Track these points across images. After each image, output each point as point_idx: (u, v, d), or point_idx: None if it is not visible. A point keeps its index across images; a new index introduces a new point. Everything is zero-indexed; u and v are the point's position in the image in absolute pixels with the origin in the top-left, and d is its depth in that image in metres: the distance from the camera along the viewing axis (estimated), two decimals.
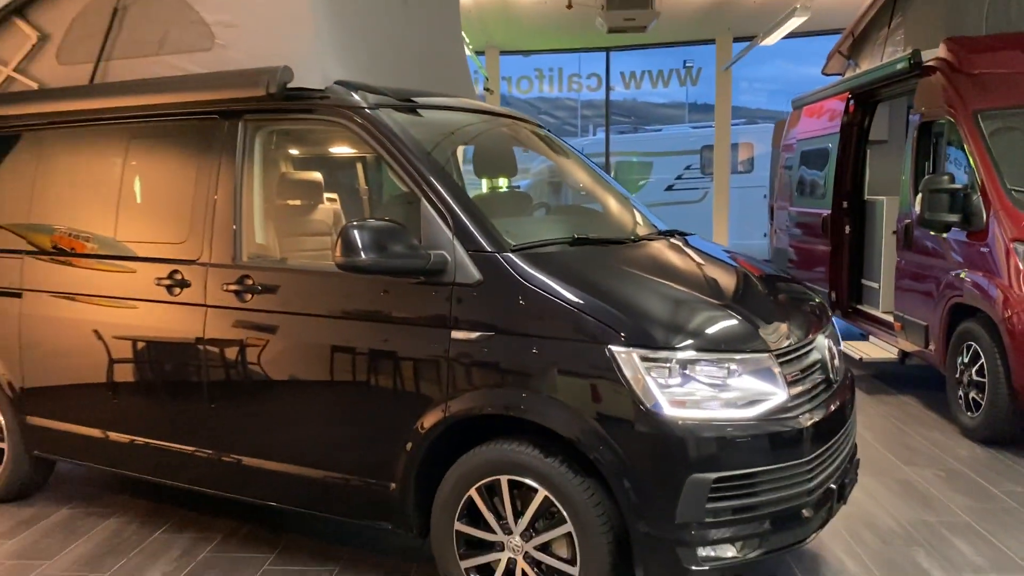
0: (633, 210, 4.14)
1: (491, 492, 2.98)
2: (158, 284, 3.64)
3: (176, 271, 3.60)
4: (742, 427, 2.75)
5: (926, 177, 5.75)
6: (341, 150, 4.46)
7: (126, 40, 3.98)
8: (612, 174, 16.29)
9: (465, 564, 3.05)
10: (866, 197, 7.54)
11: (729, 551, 2.76)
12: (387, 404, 3.14)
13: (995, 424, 5.10)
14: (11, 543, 3.92)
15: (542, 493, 2.87)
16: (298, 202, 4.09)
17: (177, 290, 3.59)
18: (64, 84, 4.17)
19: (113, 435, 3.87)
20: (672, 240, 3.77)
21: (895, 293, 6.47)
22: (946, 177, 5.53)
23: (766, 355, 2.86)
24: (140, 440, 3.79)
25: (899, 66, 6.31)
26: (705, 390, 2.77)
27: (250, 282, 3.42)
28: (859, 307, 7.50)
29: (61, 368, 4.02)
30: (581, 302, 2.86)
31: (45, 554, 3.80)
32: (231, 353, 3.47)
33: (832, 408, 3.09)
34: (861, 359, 6.75)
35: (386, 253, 2.94)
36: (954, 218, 5.44)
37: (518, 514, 2.94)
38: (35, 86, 4.33)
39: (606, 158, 16.03)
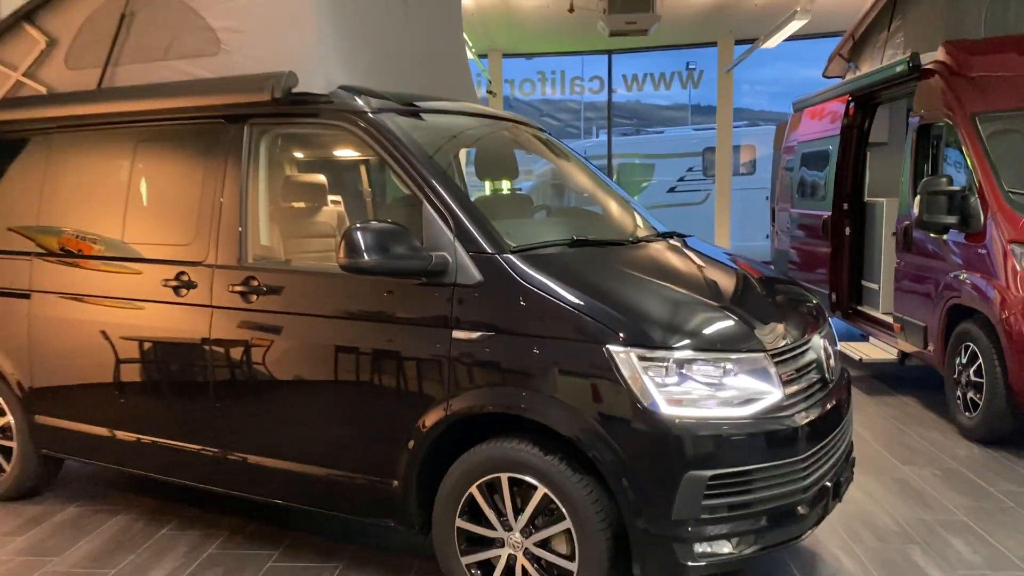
0: (632, 212, 4.19)
1: (491, 489, 3.04)
2: (165, 285, 3.70)
3: (183, 272, 3.66)
4: (738, 425, 2.81)
5: (924, 179, 5.79)
6: (345, 153, 4.52)
7: (133, 45, 4.04)
8: (614, 176, 16.37)
9: (466, 560, 3.11)
10: (866, 199, 7.58)
11: (725, 547, 2.81)
12: (389, 403, 3.20)
13: (992, 424, 5.15)
14: (21, 540, 3.99)
15: (541, 490, 2.92)
16: (302, 204, 4.15)
17: (184, 291, 3.65)
18: (72, 88, 4.24)
19: (120, 434, 3.93)
20: (670, 242, 3.83)
21: (894, 294, 6.52)
22: (944, 179, 5.58)
23: (761, 355, 2.92)
24: (147, 439, 3.85)
25: (898, 69, 6.35)
26: (701, 389, 2.82)
27: (255, 283, 3.48)
28: (859, 308, 7.54)
29: (69, 368, 4.08)
30: (580, 302, 2.92)
31: (54, 551, 3.86)
32: (237, 353, 3.53)
33: (827, 407, 3.14)
34: (861, 360, 6.80)
35: (389, 255, 3.00)
36: (952, 220, 5.48)
37: (518, 511, 3.00)
38: (44, 91, 4.39)
39: (608, 160, 16.09)
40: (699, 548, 2.79)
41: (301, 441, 3.45)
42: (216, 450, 3.65)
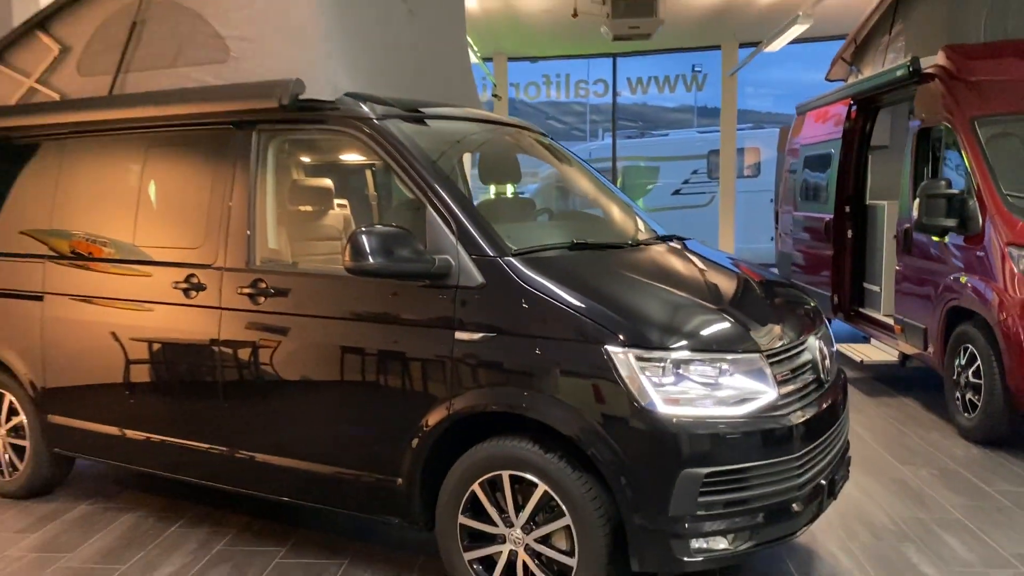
0: (632, 215, 4.26)
1: (493, 487, 3.11)
2: (175, 288, 3.78)
3: (192, 275, 3.74)
4: (733, 424, 2.88)
5: (924, 182, 5.85)
6: (350, 158, 4.60)
7: (144, 53, 4.12)
8: (619, 178, 16.43)
9: (469, 556, 3.18)
10: (868, 202, 7.64)
11: (721, 543, 2.88)
12: (394, 402, 3.28)
13: (991, 424, 5.20)
14: (34, 537, 4.08)
15: (542, 488, 3.00)
16: (309, 208, 4.23)
17: (193, 293, 3.74)
18: (84, 95, 4.32)
19: (131, 433, 4.02)
20: (670, 245, 3.90)
21: (895, 296, 6.57)
22: (943, 182, 5.63)
23: (757, 355, 2.98)
24: (157, 438, 3.93)
25: (899, 73, 6.41)
26: (698, 389, 2.89)
27: (263, 285, 3.56)
28: (861, 310, 7.59)
29: (81, 368, 4.17)
30: (579, 304, 2.99)
31: (66, 547, 3.95)
32: (245, 354, 3.61)
33: (823, 407, 3.21)
34: (862, 361, 6.85)
35: (393, 257, 3.08)
36: (951, 223, 5.54)
37: (519, 508, 3.07)
38: (56, 97, 4.47)
39: (612, 163, 16.15)
40: (695, 544, 2.86)
41: (308, 440, 3.53)
42: (224, 448, 3.73)
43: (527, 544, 3.07)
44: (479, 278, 3.12)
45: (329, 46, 3.63)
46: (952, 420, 5.64)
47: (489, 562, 3.16)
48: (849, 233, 7.63)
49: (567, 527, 2.98)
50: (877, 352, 7.00)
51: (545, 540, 3.05)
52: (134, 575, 3.66)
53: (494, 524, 3.12)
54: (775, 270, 10.08)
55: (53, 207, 4.36)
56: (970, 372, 5.40)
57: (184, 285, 3.76)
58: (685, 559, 2.86)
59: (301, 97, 3.48)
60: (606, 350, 2.89)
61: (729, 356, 2.95)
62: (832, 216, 7.76)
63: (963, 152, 5.59)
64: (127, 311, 3.97)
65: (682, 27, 12.42)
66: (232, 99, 3.70)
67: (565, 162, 4.61)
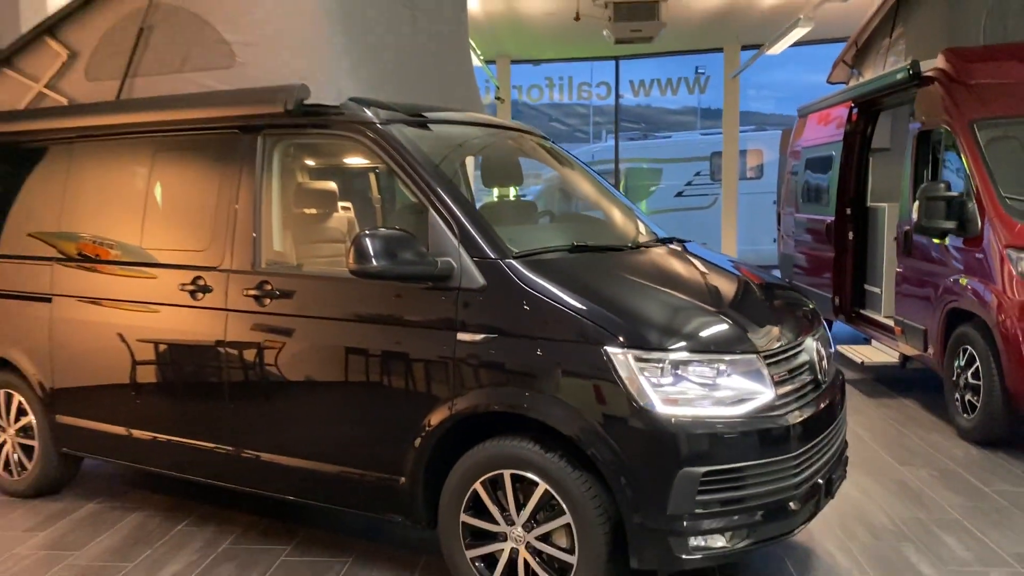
0: (633, 218, 4.31)
1: (495, 485, 3.16)
2: (182, 289, 3.84)
3: (199, 277, 3.80)
4: (730, 424, 2.92)
5: (923, 185, 5.89)
6: (354, 162, 4.66)
7: (151, 58, 4.18)
8: (622, 180, 16.46)
9: (471, 554, 3.23)
10: (869, 204, 7.67)
11: (719, 541, 2.93)
12: (397, 403, 3.33)
13: (990, 425, 5.24)
14: (43, 535, 4.13)
15: (542, 486, 3.05)
16: (314, 211, 4.28)
17: (200, 295, 3.79)
18: (92, 100, 4.39)
19: (138, 433, 4.07)
20: (670, 247, 3.95)
21: (895, 298, 6.61)
22: (943, 185, 5.67)
23: (754, 356, 3.03)
24: (163, 437, 3.99)
25: (899, 76, 6.45)
26: (696, 389, 2.94)
27: (269, 287, 3.61)
28: (862, 312, 7.62)
29: (89, 369, 4.23)
30: (579, 306, 3.04)
31: (75, 545, 4.01)
32: (250, 355, 3.67)
33: (820, 407, 3.25)
34: (862, 362, 6.89)
35: (396, 260, 3.13)
36: (950, 225, 5.58)
37: (520, 506, 3.12)
38: (65, 101, 4.55)
39: (615, 165, 16.19)
40: (694, 542, 2.90)
41: (312, 439, 3.58)
42: (230, 448, 3.78)
43: (528, 542, 3.12)
44: (481, 280, 3.17)
45: (333, 52, 3.69)
46: (952, 421, 5.68)
47: (491, 560, 3.21)
48: (850, 235, 7.66)
49: (567, 525, 3.03)
50: (877, 353, 7.04)
51: (546, 538, 3.09)
52: (141, 573, 3.71)
53: (496, 522, 3.17)
54: (777, 272, 10.12)
55: (61, 210, 4.42)
56: (969, 373, 5.43)
57: (191, 287, 3.82)
58: (683, 557, 2.91)
59: (306, 102, 3.53)
60: (606, 351, 2.94)
61: (727, 357, 2.99)
62: (833, 218, 7.80)
63: (962, 155, 5.62)
64: (134, 313, 4.03)
65: (684, 30, 12.47)
66: (238, 104, 3.76)
67: (566, 165, 4.66)
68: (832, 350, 3.73)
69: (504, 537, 3.16)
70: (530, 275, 3.13)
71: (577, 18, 9.97)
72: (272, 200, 3.77)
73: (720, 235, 14.26)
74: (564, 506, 3.02)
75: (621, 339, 2.94)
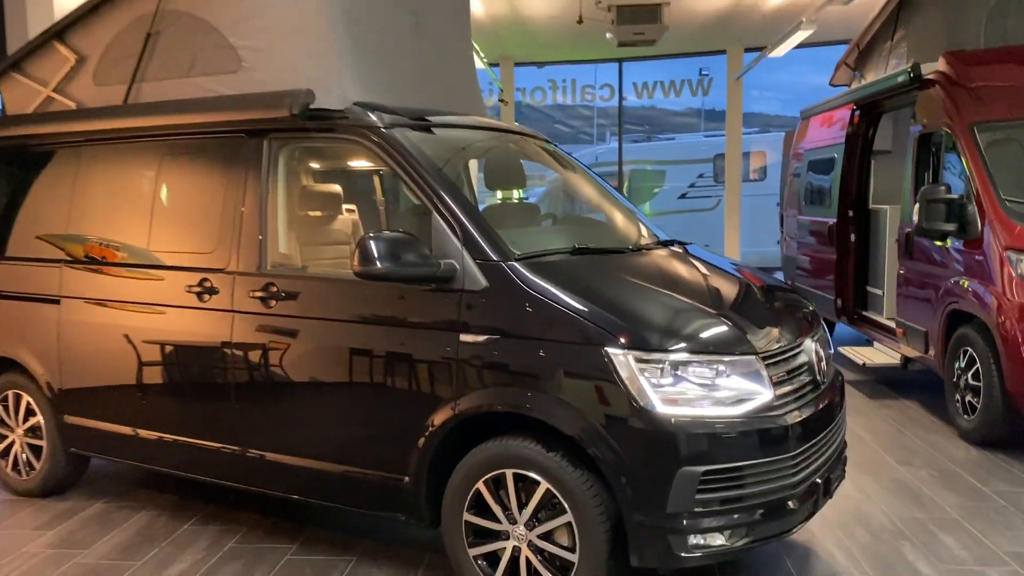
0: (634, 220, 4.35)
1: (497, 485, 3.20)
2: (188, 291, 3.89)
3: (206, 279, 3.85)
4: (729, 424, 2.96)
5: (923, 187, 5.92)
6: (359, 166, 4.71)
7: (158, 63, 4.23)
8: (625, 182, 16.50)
9: (473, 552, 3.27)
10: (871, 206, 7.70)
11: (718, 539, 2.97)
12: (401, 403, 3.37)
13: (989, 426, 5.27)
14: (51, 534, 4.19)
15: (544, 485, 3.09)
16: (319, 214, 4.33)
17: (206, 297, 3.84)
18: (100, 104, 4.44)
19: (145, 433, 4.13)
20: (671, 249, 3.99)
21: (897, 300, 6.64)
22: (943, 187, 5.71)
23: (753, 357, 3.07)
24: (170, 437, 4.04)
25: (900, 79, 6.48)
26: (695, 390, 2.98)
27: (274, 289, 3.66)
28: (864, 313, 7.65)
29: (97, 370, 4.28)
30: (580, 307, 3.08)
31: (82, 544, 4.06)
32: (256, 356, 3.71)
33: (819, 407, 3.29)
34: (864, 364, 6.92)
35: (400, 262, 3.18)
36: (951, 227, 5.61)
37: (522, 505, 3.16)
38: (73, 105, 4.60)
39: (619, 167, 16.23)
40: (693, 540, 2.94)
41: (317, 439, 3.63)
42: (236, 448, 3.83)
43: (530, 540, 3.16)
44: (483, 282, 3.21)
45: (338, 57, 3.74)
46: (952, 422, 5.71)
47: (493, 558, 3.25)
48: (852, 237, 7.69)
49: (569, 524, 3.07)
50: (879, 355, 7.07)
51: (547, 536, 3.13)
52: (148, 571, 3.76)
53: (498, 521, 3.21)
54: (780, 274, 10.15)
55: (70, 213, 4.48)
56: (970, 375, 5.46)
57: (197, 289, 3.87)
58: (683, 555, 2.95)
59: (311, 106, 3.58)
60: (606, 352, 2.98)
61: (726, 358, 3.03)
62: (835, 220, 7.83)
63: (963, 157, 5.66)
64: (142, 314, 4.08)
65: (687, 32, 12.51)
66: (244, 108, 3.81)
67: (569, 168, 4.71)
68: (831, 351, 3.76)
69: (506, 535, 3.20)
70: (532, 277, 3.18)
71: (580, 21, 10.01)
72: (278, 203, 3.82)
73: (723, 237, 14.28)
74: (565, 505, 3.06)
75: (622, 340, 2.99)
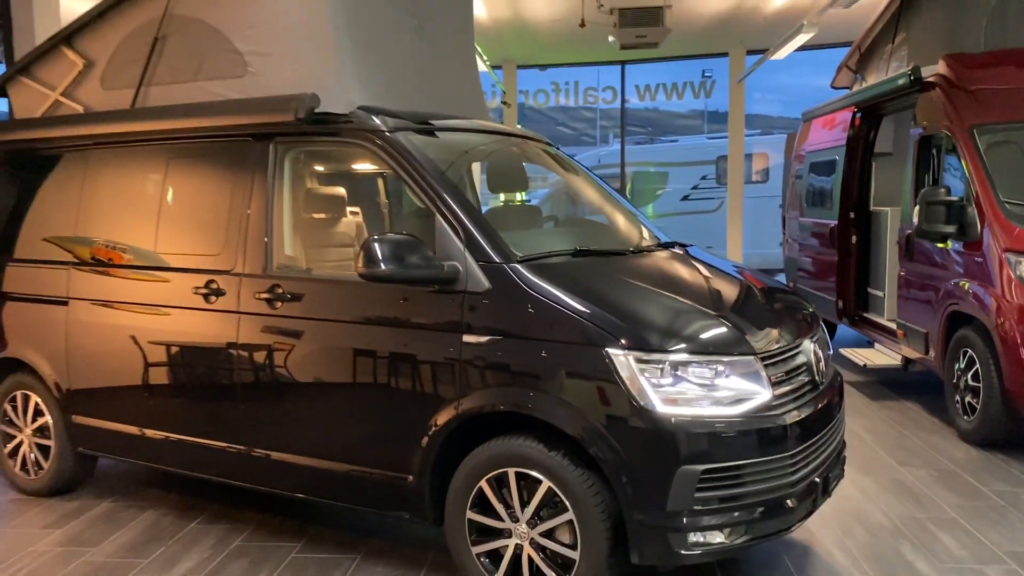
0: (636, 223, 4.40)
1: (500, 483, 3.25)
2: (195, 293, 3.94)
3: (212, 281, 3.90)
4: (729, 423, 3.01)
5: (923, 189, 5.96)
6: (363, 169, 4.76)
7: (165, 67, 4.29)
8: (628, 184, 16.55)
9: (476, 550, 3.32)
10: (872, 208, 7.74)
11: (717, 537, 3.01)
12: (404, 403, 3.42)
13: (989, 427, 5.30)
14: (59, 532, 4.24)
15: (546, 484, 3.13)
16: (323, 216, 4.38)
17: (213, 298, 3.89)
18: (108, 108, 4.50)
19: (152, 432, 4.17)
20: (672, 251, 4.03)
21: (898, 301, 6.67)
22: (943, 189, 5.75)
23: (752, 358, 3.11)
24: (176, 437, 4.09)
25: (900, 81, 6.52)
26: (695, 390, 3.03)
27: (280, 291, 3.71)
28: (865, 315, 7.69)
29: (104, 371, 4.33)
30: (581, 309, 3.13)
31: (90, 542, 4.11)
32: (262, 356, 3.76)
33: (817, 407, 3.33)
34: (865, 365, 6.95)
35: (404, 264, 3.23)
36: (950, 229, 5.64)
37: (524, 503, 3.20)
38: (80, 109, 4.65)
39: (621, 169, 16.28)
40: (693, 538, 2.99)
41: (322, 438, 3.68)
42: (242, 447, 3.88)
43: (532, 538, 3.20)
44: (486, 284, 3.26)
45: (342, 61, 3.79)
46: (952, 423, 5.75)
47: (496, 556, 3.29)
48: (854, 239, 7.73)
49: (570, 522, 3.11)
50: (880, 356, 7.10)
51: (549, 534, 3.18)
52: (155, 569, 3.81)
53: (501, 519, 3.26)
54: (783, 275, 10.19)
55: (78, 216, 4.53)
56: (969, 376, 5.50)
57: (204, 290, 3.92)
58: (683, 552, 2.99)
59: (316, 111, 3.63)
60: (607, 352, 3.03)
61: (725, 358, 3.08)
62: (837, 222, 7.86)
63: (962, 160, 5.69)
64: (149, 315, 4.13)
65: (689, 35, 12.55)
66: (251, 112, 3.86)
67: (571, 171, 4.75)
68: (830, 352, 3.80)
69: (509, 534, 3.25)
70: (534, 279, 3.22)
71: (583, 24, 10.06)
72: (283, 205, 3.87)
73: (726, 239, 14.32)
74: (567, 503, 3.10)
75: (622, 341, 3.03)
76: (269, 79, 3.89)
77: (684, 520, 2.97)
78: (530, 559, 3.22)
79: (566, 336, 3.11)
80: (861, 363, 6.98)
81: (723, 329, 3.19)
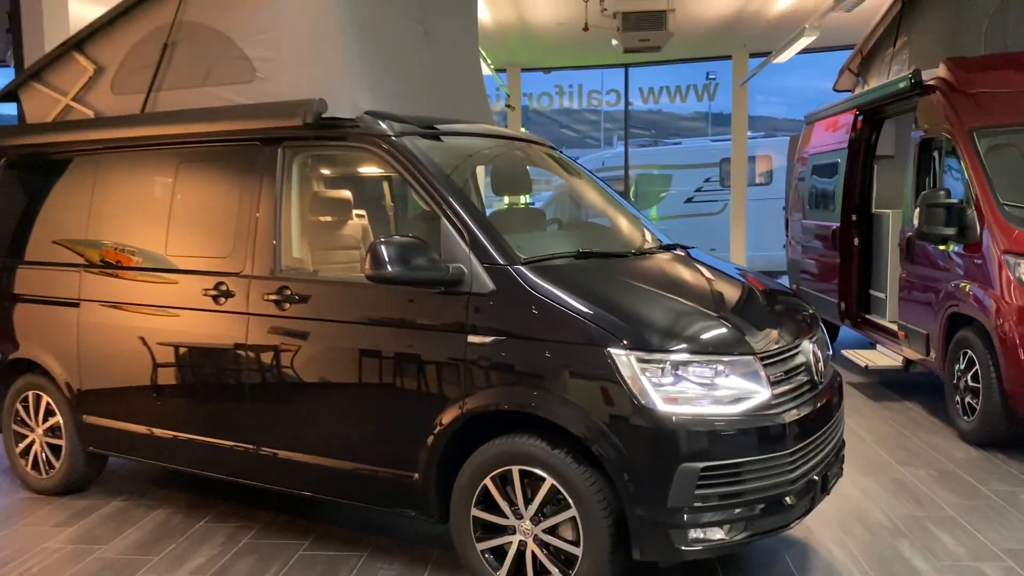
0: (638, 225, 4.46)
1: (504, 481, 3.31)
2: (205, 294, 4.01)
3: (221, 282, 3.97)
4: (728, 422, 3.07)
5: (924, 192, 6.01)
6: (369, 172, 4.83)
7: (175, 73, 4.36)
8: (632, 186, 16.60)
9: (481, 547, 3.38)
10: (874, 210, 7.79)
11: (717, 533, 3.07)
12: (410, 402, 3.48)
13: (988, 427, 5.35)
14: (71, 530, 4.31)
15: (549, 481, 3.19)
16: (330, 219, 4.45)
17: (222, 300, 3.96)
18: (118, 113, 4.57)
19: (161, 432, 4.24)
20: (673, 253, 4.09)
21: (899, 303, 6.72)
22: (943, 192, 5.80)
23: (751, 358, 3.17)
24: (186, 436, 4.16)
25: (901, 85, 6.56)
26: (695, 389, 3.08)
27: (288, 292, 3.78)
28: (867, 316, 7.73)
29: (115, 371, 4.40)
30: (584, 310, 3.19)
31: (101, 540, 4.18)
32: (270, 357, 3.83)
33: (816, 406, 3.39)
34: (867, 366, 7.00)
35: (410, 266, 3.29)
36: (950, 231, 5.70)
37: (528, 501, 3.27)
38: (91, 114, 4.73)
39: (625, 171, 16.34)
40: (693, 534, 3.04)
41: (329, 437, 3.74)
42: (250, 446, 3.94)
43: (536, 535, 3.26)
44: (490, 285, 3.32)
45: (349, 67, 3.86)
46: (952, 423, 5.79)
47: (500, 552, 3.35)
48: (856, 241, 7.77)
49: (573, 519, 3.17)
50: (882, 357, 7.14)
51: (553, 531, 3.24)
52: (166, 566, 3.87)
53: (505, 516, 3.32)
54: (786, 277, 10.24)
55: (89, 219, 4.60)
56: (969, 377, 5.55)
57: (213, 292, 3.99)
58: (683, 548, 3.05)
59: (324, 115, 3.70)
60: (609, 352, 3.09)
61: (725, 358, 3.13)
62: (839, 224, 7.91)
63: (962, 162, 5.75)
64: (159, 317, 4.20)
65: (693, 38, 12.62)
66: (259, 117, 3.93)
67: (574, 174, 4.82)
68: (829, 352, 3.86)
69: (513, 530, 3.31)
70: (538, 280, 3.29)
71: (586, 28, 10.13)
72: (291, 208, 3.94)
73: (729, 241, 14.37)
74: (570, 500, 3.16)
75: (624, 341, 3.09)
76: (277, 84, 3.96)
77: (685, 516, 3.03)
78: (534, 555, 3.28)
79: (569, 337, 3.17)
80: (863, 364, 7.03)
81: (723, 330, 3.25)
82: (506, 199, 5.16)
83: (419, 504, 3.53)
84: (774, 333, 3.42)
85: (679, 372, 3.08)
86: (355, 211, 4.58)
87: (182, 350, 4.14)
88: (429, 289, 3.41)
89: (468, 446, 3.39)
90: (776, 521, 3.17)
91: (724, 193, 16.05)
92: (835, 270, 8.00)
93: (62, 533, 4.28)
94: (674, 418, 3.03)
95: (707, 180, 16.73)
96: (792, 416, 3.20)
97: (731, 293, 3.74)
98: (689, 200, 16.72)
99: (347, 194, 4.49)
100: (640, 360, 3.07)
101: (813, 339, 3.66)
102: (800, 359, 3.45)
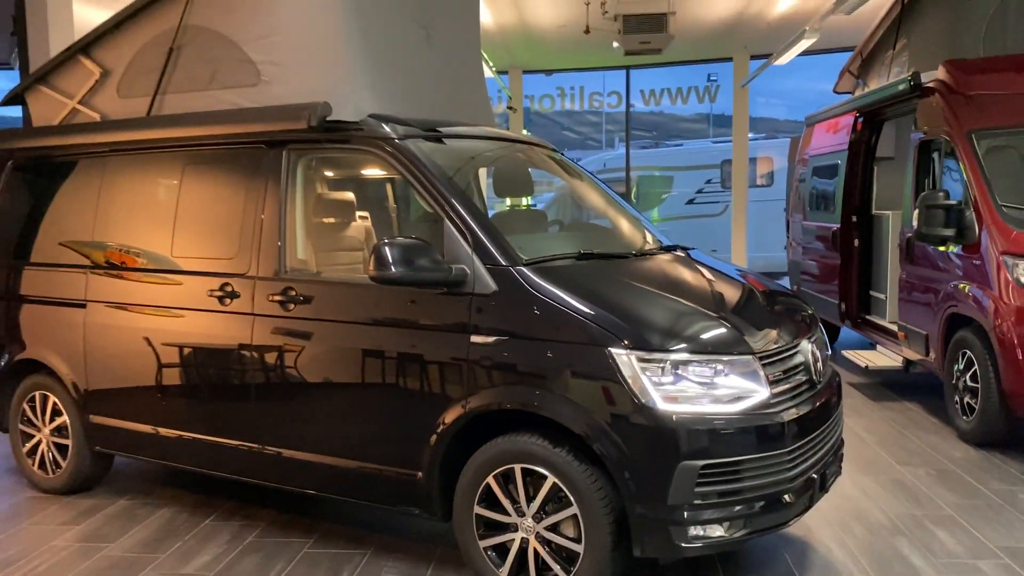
0: (639, 226, 4.50)
1: (506, 479, 3.35)
2: (210, 295, 4.06)
3: (227, 283, 4.02)
4: (727, 420, 3.11)
5: (923, 193, 6.05)
6: (373, 175, 4.88)
7: (180, 76, 4.41)
8: (633, 188, 16.65)
9: (484, 544, 3.42)
10: (873, 212, 7.83)
11: (717, 531, 3.11)
12: (413, 402, 3.53)
13: (987, 427, 5.38)
14: (77, 529, 4.36)
15: (551, 480, 3.23)
16: (334, 221, 4.50)
17: (228, 301, 4.01)
18: (124, 116, 4.61)
19: (167, 431, 4.29)
20: (674, 254, 4.14)
21: (899, 304, 6.76)
22: (942, 193, 5.83)
23: (750, 357, 3.21)
24: (191, 436, 4.20)
25: (900, 87, 6.61)
26: (695, 388, 3.13)
27: (293, 293, 3.83)
28: (867, 317, 7.77)
29: (121, 371, 4.45)
30: (585, 310, 3.23)
31: (108, 538, 4.23)
32: (275, 357, 3.87)
33: (814, 405, 3.42)
34: (867, 367, 7.03)
35: (413, 267, 3.34)
36: (949, 233, 5.73)
37: (530, 499, 3.31)
38: (97, 117, 4.77)
39: (626, 173, 16.38)
40: (693, 531, 3.08)
41: (333, 437, 3.79)
42: (254, 445, 3.98)
43: (538, 532, 3.30)
44: (493, 286, 3.37)
45: (353, 70, 3.90)
46: (951, 423, 5.83)
47: (502, 549, 3.39)
48: (856, 242, 7.81)
49: (575, 516, 3.21)
50: (882, 358, 7.18)
51: (554, 528, 3.28)
52: (172, 564, 3.92)
53: (507, 514, 3.36)
54: (787, 278, 10.28)
55: (95, 221, 4.65)
56: (968, 377, 5.58)
57: (219, 293, 4.03)
58: (683, 545, 3.09)
59: (328, 118, 3.74)
60: (610, 352, 3.13)
61: (724, 358, 3.18)
62: (839, 225, 7.95)
63: (961, 164, 5.78)
64: (165, 317, 4.25)
65: (693, 40, 12.66)
66: (264, 120, 3.98)
67: (575, 176, 4.86)
68: (828, 352, 3.90)
69: (515, 528, 3.35)
70: (539, 281, 3.33)
71: (587, 31, 10.18)
72: (296, 210, 3.99)
73: (730, 242, 14.41)
74: (571, 498, 3.20)
75: (625, 341, 3.13)
76: (282, 88, 4.00)
77: (685, 514, 3.07)
78: (536, 552, 3.32)
79: (571, 337, 3.21)
80: (863, 365, 7.06)
81: (722, 330, 3.29)
82: (508, 201, 5.20)
83: (422, 502, 3.57)
84: (773, 333, 3.46)
85: (679, 371, 3.12)
86: (359, 213, 4.63)
87: (188, 351, 4.18)
88: (432, 290, 3.45)
89: (471, 445, 3.43)
90: (775, 518, 3.21)
91: (725, 194, 16.08)
92: (835, 271, 8.04)
93: (69, 531, 4.33)
94: (674, 417, 3.07)
95: (708, 182, 16.77)
96: (791, 415, 3.24)
97: (730, 293, 3.78)
98: (690, 201, 16.75)
99: (351, 196, 4.54)
100: (641, 360, 3.11)
101: (812, 339, 3.69)
102: (799, 359, 3.49)
